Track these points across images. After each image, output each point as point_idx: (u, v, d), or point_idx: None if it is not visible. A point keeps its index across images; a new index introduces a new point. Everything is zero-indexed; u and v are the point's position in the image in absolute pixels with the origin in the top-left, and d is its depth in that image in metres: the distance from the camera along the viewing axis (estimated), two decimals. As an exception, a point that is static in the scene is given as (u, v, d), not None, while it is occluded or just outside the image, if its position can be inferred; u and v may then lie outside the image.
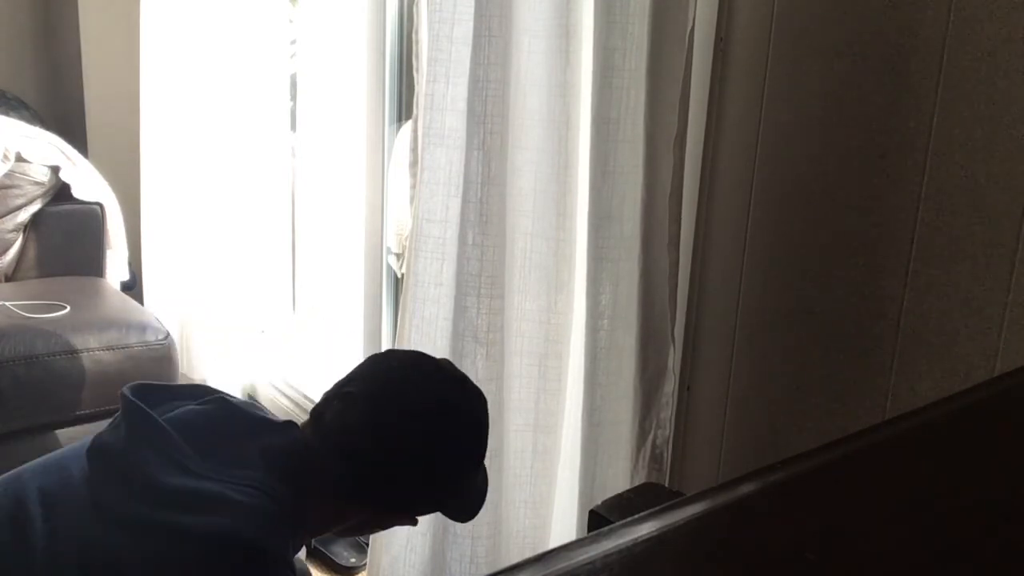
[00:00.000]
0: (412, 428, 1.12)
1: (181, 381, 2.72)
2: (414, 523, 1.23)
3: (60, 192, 2.51)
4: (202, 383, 1.15)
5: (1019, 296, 1.11)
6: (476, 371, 1.49)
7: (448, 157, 1.50)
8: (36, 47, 3.29)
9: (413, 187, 1.60)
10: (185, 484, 1.01)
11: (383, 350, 1.28)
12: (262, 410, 1.20)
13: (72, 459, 1.09)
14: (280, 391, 2.82)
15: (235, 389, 2.86)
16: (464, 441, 1.18)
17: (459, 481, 1.19)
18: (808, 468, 0.61)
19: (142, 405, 1.06)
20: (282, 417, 1.18)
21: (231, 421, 1.12)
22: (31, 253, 2.50)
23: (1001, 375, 1.07)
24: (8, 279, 2.49)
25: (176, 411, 1.11)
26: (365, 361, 1.21)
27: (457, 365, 1.51)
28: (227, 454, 1.06)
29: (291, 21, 2.93)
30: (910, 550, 0.54)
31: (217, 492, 1.00)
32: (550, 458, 1.56)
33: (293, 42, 2.94)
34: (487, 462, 1.51)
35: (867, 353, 1.28)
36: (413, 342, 1.59)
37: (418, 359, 1.21)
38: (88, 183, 2.52)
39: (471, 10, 1.41)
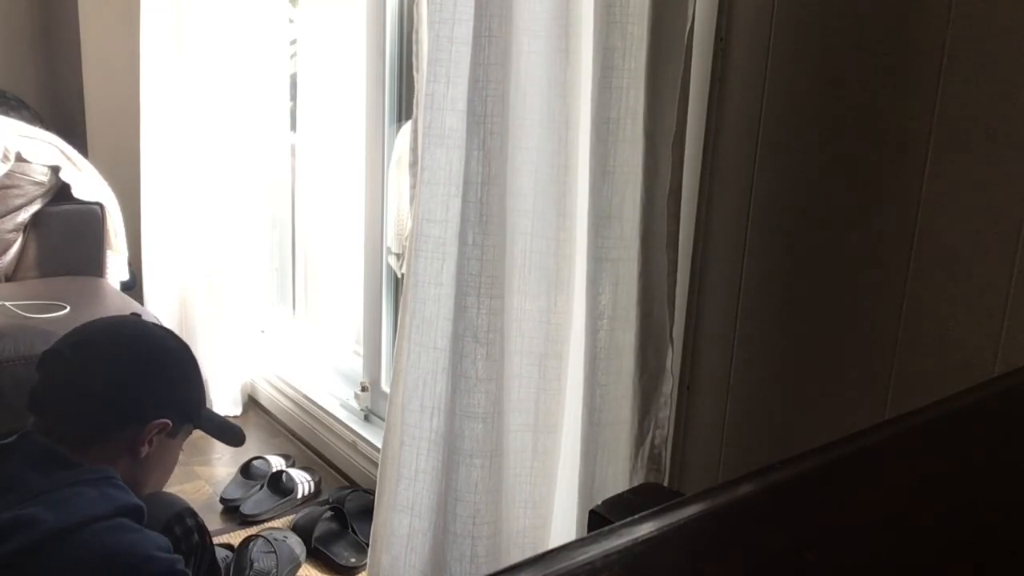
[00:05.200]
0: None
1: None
2: (172, 435, 1.44)
3: (60, 192, 2.51)
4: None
5: (1019, 296, 1.11)
6: (476, 371, 1.49)
7: (448, 157, 1.51)
8: (36, 47, 3.29)
9: (413, 187, 1.60)
10: None
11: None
12: None
13: None
14: (280, 391, 2.83)
15: (235, 388, 2.86)
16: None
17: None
18: (808, 468, 0.60)
19: None
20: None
21: None
22: (31, 253, 2.50)
23: (1001, 375, 1.07)
24: (8, 279, 2.49)
25: None
26: None
27: (457, 365, 1.52)
28: None
29: (291, 21, 2.93)
30: (910, 550, 0.54)
31: None
32: (550, 458, 1.56)
33: (293, 42, 2.94)
34: (487, 461, 1.52)
35: (867, 353, 1.28)
36: (413, 342, 1.59)
37: None
38: (88, 183, 2.53)
39: (471, 10, 1.41)
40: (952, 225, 1.18)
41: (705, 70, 1.42)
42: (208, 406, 1.56)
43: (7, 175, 2.38)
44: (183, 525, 1.46)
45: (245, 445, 1.71)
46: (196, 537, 1.48)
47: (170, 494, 1.58)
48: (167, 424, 1.40)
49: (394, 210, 2.45)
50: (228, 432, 1.58)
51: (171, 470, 1.50)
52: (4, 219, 2.42)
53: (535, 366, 1.52)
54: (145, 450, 1.38)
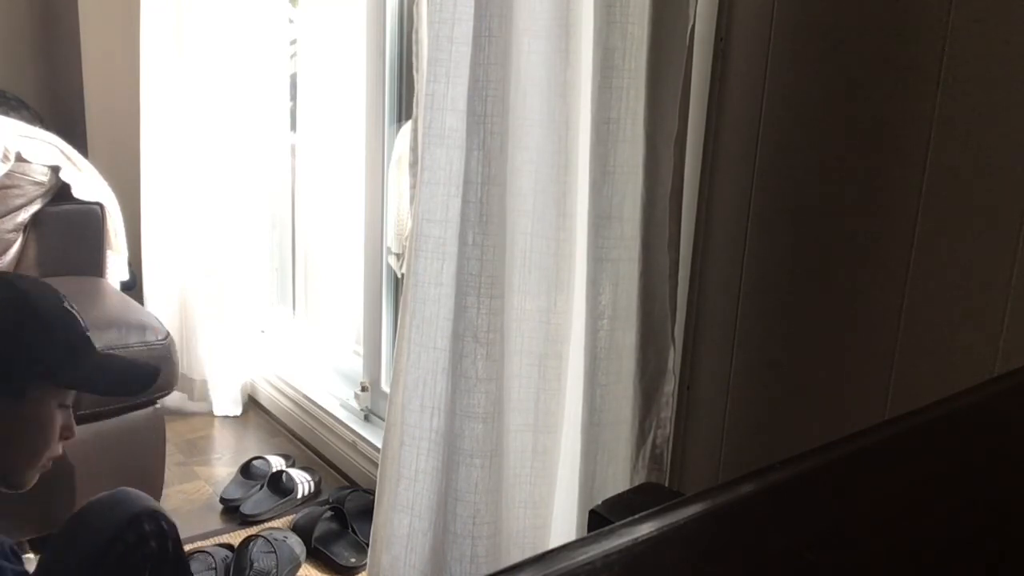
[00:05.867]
0: None
1: (181, 381, 2.72)
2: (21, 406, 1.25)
3: (60, 192, 2.51)
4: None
5: (1019, 296, 1.11)
6: (476, 371, 1.49)
7: (448, 157, 1.51)
8: (36, 47, 3.29)
9: (413, 187, 1.60)
10: None
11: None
12: None
13: None
14: (280, 391, 2.83)
15: (235, 388, 2.86)
16: None
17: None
18: (808, 468, 0.60)
19: None
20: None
21: None
22: (31, 253, 2.50)
23: (1001, 375, 1.07)
24: (8, 279, 2.49)
25: None
26: None
27: (457, 365, 1.52)
28: None
29: (291, 21, 2.93)
30: (910, 550, 0.54)
31: None
32: (550, 458, 1.56)
33: (293, 42, 2.94)
34: (487, 461, 1.52)
35: (867, 353, 1.28)
36: (413, 342, 1.59)
37: None
38: (88, 183, 2.52)
39: (471, 10, 1.41)
40: (952, 225, 1.18)
41: (705, 70, 1.42)
42: (91, 356, 1.30)
43: (7, 175, 2.38)
44: (138, 531, 1.28)
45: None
46: (153, 545, 1.29)
47: (137, 493, 1.38)
48: None
49: (394, 210, 2.45)
50: (122, 382, 1.36)
51: (35, 443, 1.28)
52: (4, 219, 2.42)
53: (535, 366, 1.52)
54: None
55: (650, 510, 0.53)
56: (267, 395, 2.88)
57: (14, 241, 2.46)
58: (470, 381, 1.50)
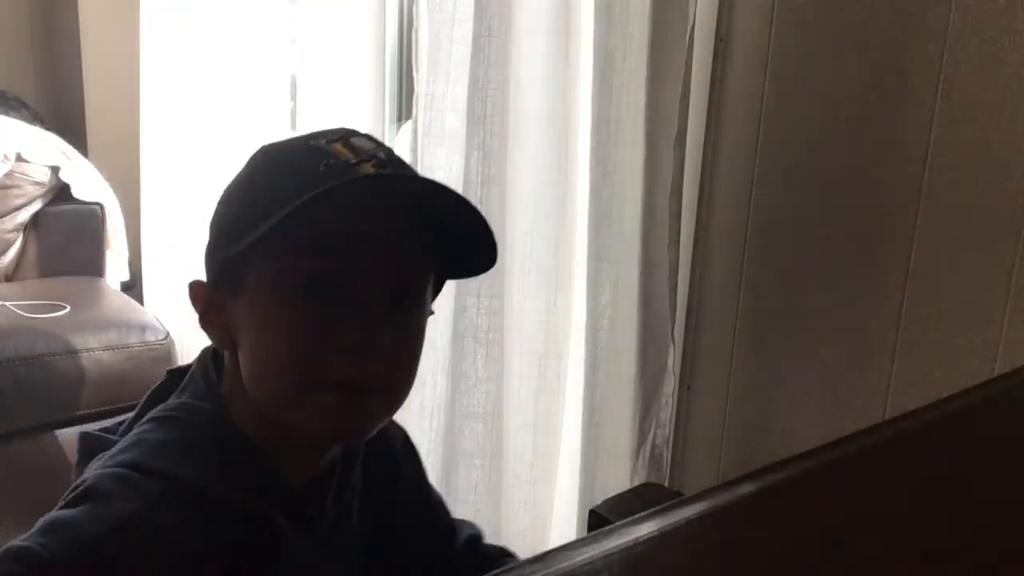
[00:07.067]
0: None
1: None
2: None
3: (60, 192, 2.51)
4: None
5: (1019, 295, 1.11)
6: (476, 371, 1.49)
7: (448, 157, 1.50)
8: (36, 47, 3.29)
9: (413, 187, 1.60)
10: None
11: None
12: None
13: None
14: (280, 391, 2.82)
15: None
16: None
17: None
18: (808, 468, 0.60)
19: None
20: None
21: None
22: (31, 253, 2.50)
23: (1001, 375, 1.07)
24: (8, 279, 2.49)
25: None
26: None
27: (457, 365, 1.52)
28: None
29: (291, 21, 2.93)
30: (910, 550, 0.54)
31: None
32: (550, 458, 1.56)
33: (293, 42, 2.94)
34: (487, 461, 1.52)
35: (867, 352, 1.28)
36: (413, 342, 1.59)
37: None
38: (88, 183, 2.52)
39: (471, 10, 1.41)
40: (952, 224, 1.17)
41: (705, 70, 1.42)
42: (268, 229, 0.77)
43: (7, 175, 2.38)
44: None
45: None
46: None
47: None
48: (198, 285, 0.87)
49: (394, 210, 2.44)
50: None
51: (272, 351, 0.79)
52: (4, 219, 2.42)
53: (535, 366, 1.52)
54: (212, 332, 0.85)
55: (650, 510, 0.53)
56: (267, 395, 2.87)
57: (14, 241, 2.46)
58: (470, 381, 1.50)
